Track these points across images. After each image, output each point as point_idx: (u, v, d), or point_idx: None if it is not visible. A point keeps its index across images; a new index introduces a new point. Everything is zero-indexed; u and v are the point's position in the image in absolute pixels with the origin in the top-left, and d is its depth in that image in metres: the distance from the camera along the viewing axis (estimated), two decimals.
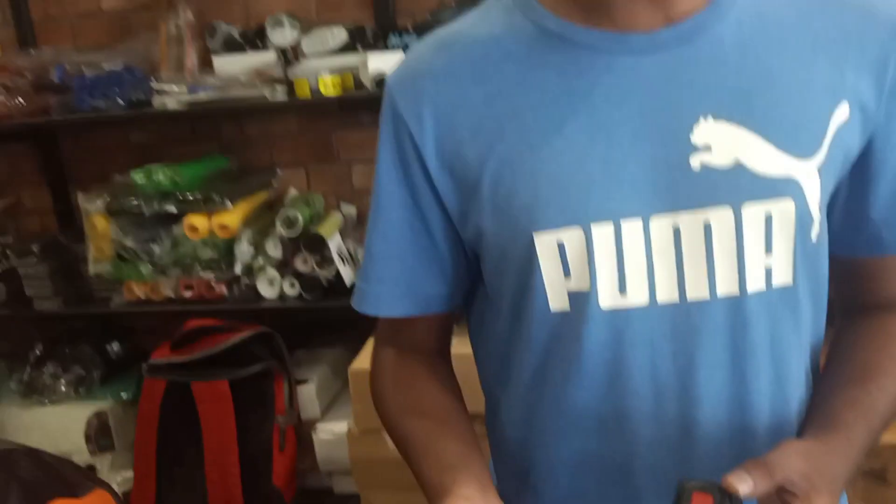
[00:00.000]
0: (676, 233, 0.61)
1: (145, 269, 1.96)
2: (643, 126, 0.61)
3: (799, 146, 0.61)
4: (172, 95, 1.79)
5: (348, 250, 1.89)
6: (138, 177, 1.88)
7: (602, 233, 0.61)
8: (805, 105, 0.62)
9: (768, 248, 0.61)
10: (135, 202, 1.90)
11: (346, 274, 1.85)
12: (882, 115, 0.64)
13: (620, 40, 0.62)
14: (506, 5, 0.67)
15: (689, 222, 0.61)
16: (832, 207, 0.69)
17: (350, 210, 2.08)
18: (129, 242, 1.93)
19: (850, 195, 0.68)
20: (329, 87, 1.63)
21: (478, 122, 0.64)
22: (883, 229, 0.69)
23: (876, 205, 0.68)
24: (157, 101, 1.80)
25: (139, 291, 2.00)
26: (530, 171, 0.62)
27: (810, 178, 0.62)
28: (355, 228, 2.03)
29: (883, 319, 0.72)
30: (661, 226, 0.61)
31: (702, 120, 0.60)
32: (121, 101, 1.86)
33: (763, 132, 0.60)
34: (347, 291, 1.81)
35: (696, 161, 0.60)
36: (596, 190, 0.61)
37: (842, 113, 0.62)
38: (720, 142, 0.60)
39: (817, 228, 0.64)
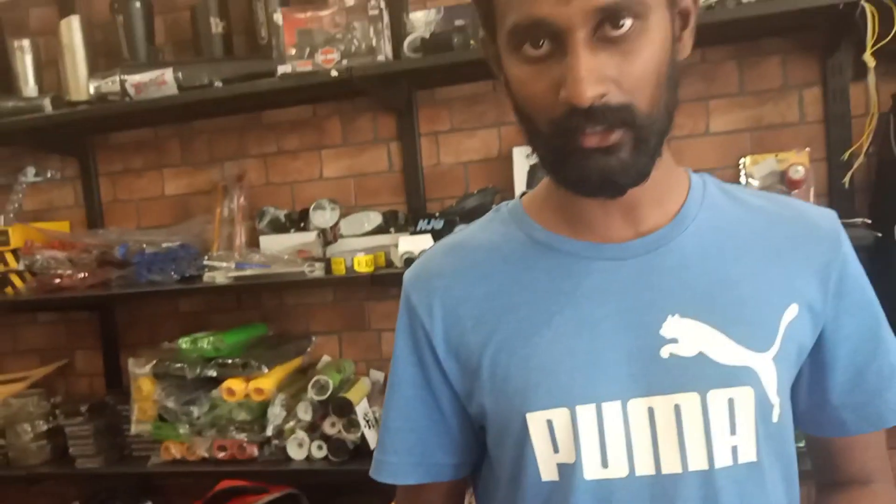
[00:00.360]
0: (651, 413, 0.70)
1: (183, 429, 2.06)
2: (620, 321, 0.72)
3: (755, 341, 0.71)
4: (221, 271, 1.98)
5: (374, 415, 1.99)
6: (185, 343, 2.04)
7: (586, 414, 0.70)
8: (759, 306, 0.72)
9: (733, 428, 0.70)
10: (179, 366, 2.04)
11: (372, 438, 1.93)
12: (829, 313, 0.75)
13: (598, 249, 0.74)
14: (503, 218, 0.82)
15: (662, 405, 0.70)
16: (797, 392, 0.78)
17: (378, 376, 2.19)
18: (170, 404, 2.05)
19: (810, 382, 0.78)
20: (363, 265, 1.81)
21: (480, 314, 0.76)
22: (843, 413, 0.78)
23: (834, 391, 0.78)
24: (207, 276, 1.99)
25: (175, 451, 2.09)
26: (523, 358, 0.73)
27: (766, 368, 0.71)
28: (382, 393, 2.14)
29: (854, 493, 0.80)
30: (637, 407, 0.70)
31: (669, 317, 0.71)
32: (175, 275, 2.06)
33: (723, 328, 0.71)
34: (372, 455, 1.89)
35: (665, 352, 0.71)
36: (580, 376, 0.71)
37: (791, 311, 0.73)
38: (686, 336, 0.70)
39: (778, 411, 0.72)
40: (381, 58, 1.77)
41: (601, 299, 0.73)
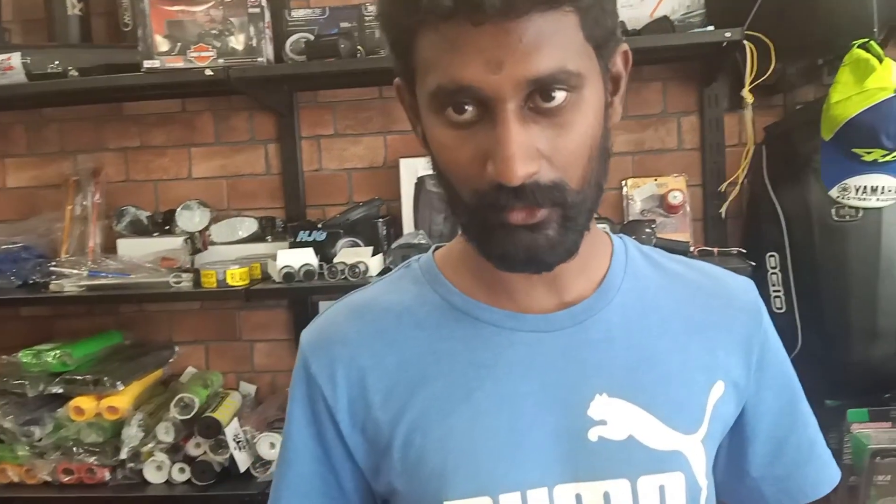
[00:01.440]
0: (579, 501, 0.66)
1: (22, 450, 1.86)
2: (545, 399, 0.67)
3: (683, 423, 0.68)
4: (71, 278, 1.78)
5: (245, 435, 1.87)
6: (26, 357, 1.82)
7: (510, 503, 0.65)
8: (686, 385, 0.70)
9: None
10: (19, 383, 1.83)
11: (242, 460, 1.82)
12: (752, 387, 0.74)
13: (520, 319, 0.69)
14: (415, 276, 0.75)
15: (591, 492, 0.66)
16: (717, 464, 0.76)
17: (249, 389, 2.07)
18: (7, 424, 1.84)
19: (729, 455, 0.77)
20: (236, 278, 1.69)
21: (390, 387, 0.69)
22: (763, 485, 0.78)
23: (754, 464, 0.77)
24: (55, 284, 1.78)
25: (12, 474, 1.88)
26: (440, 438, 0.67)
27: (696, 451, 0.69)
28: (254, 410, 2.02)
29: None
30: (564, 494, 0.66)
31: (598, 396, 0.67)
32: (15, 281, 1.84)
33: (651, 409, 0.68)
34: (242, 478, 1.78)
35: (593, 434, 0.66)
36: (503, 461, 0.66)
37: (717, 390, 0.71)
38: (614, 417, 0.67)
39: (705, 493, 0.70)
40: (261, 60, 1.65)
41: (524, 374, 0.68)
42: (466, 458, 0.66)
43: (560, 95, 0.58)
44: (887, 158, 1.54)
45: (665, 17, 1.73)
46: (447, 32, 0.56)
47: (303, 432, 0.73)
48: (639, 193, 1.84)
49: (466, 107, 0.58)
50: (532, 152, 0.58)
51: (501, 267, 0.65)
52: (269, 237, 1.85)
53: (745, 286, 0.77)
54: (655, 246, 1.67)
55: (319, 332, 0.75)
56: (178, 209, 1.88)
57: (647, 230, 1.68)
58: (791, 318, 1.67)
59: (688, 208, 1.81)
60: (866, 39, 1.56)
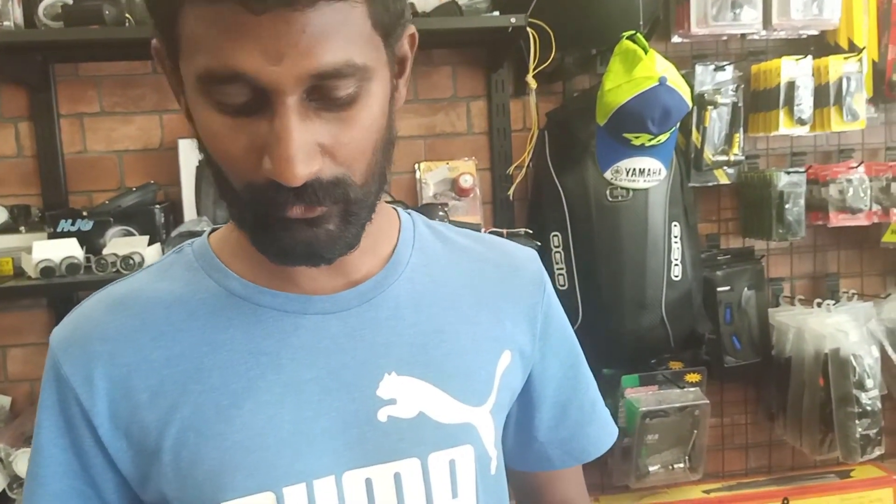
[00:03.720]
0: (369, 485, 0.64)
1: None
2: (332, 383, 0.64)
3: (473, 395, 0.69)
4: None
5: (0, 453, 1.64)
6: None
7: (295, 495, 0.61)
8: (475, 357, 0.70)
9: (454, 491, 0.67)
10: None
11: None
12: (537, 355, 0.76)
13: (305, 302, 0.65)
14: (188, 263, 0.68)
15: (381, 474, 0.64)
16: (504, 430, 0.77)
17: (3, 401, 1.81)
18: None
19: (517, 421, 0.79)
20: None
21: (158, 384, 0.62)
22: (549, 449, 0.80)
23: (541, 429, 0.79)
24: None
25: None
26: (217, 435, 0.61)
27: (484, 421, 0.69)
28: (9, 424, 1.77)
29: None
30: (353, 480, 0.64)
31: (386, 375, 0.65)
32: None
33: (441, 384, 0.67)
34: None
35: (383, 415, 0.65)
36: (287, 452, 0.62)
37: (505, 359, 0.72)
38: (404, 395, 0.65)
39: (494, 462, 0.71)
40: (7, 24, 1.43)
41: (309, 360, 0.64)
42: (246, 454, 0.62)
43: (345, 89, 0.54)
44: (653, 143, 1.67)
45: (453, 1, 1.74)
46: (220, 13, 0.50)
47: (55, 443, 0.64)
48: (431, 177, 1.85)
49: (240, 94, 0.52)
50: (313, 150, 0.54)
51: (277, 261, 0.61)
52: (22, 228, 1.62)
53: (529, 257, 0.79)
54: None
55: (73, 328, 0.65)
56: None
57: (440, 213, 1.69)
58: (573, 294, 1.76)
59: (478, 191, 1.85)
60: (633, 32, 1.67)
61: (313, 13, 0.50)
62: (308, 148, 0.53)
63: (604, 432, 0.83)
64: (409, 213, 0.76)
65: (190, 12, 0.52)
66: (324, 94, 0.53)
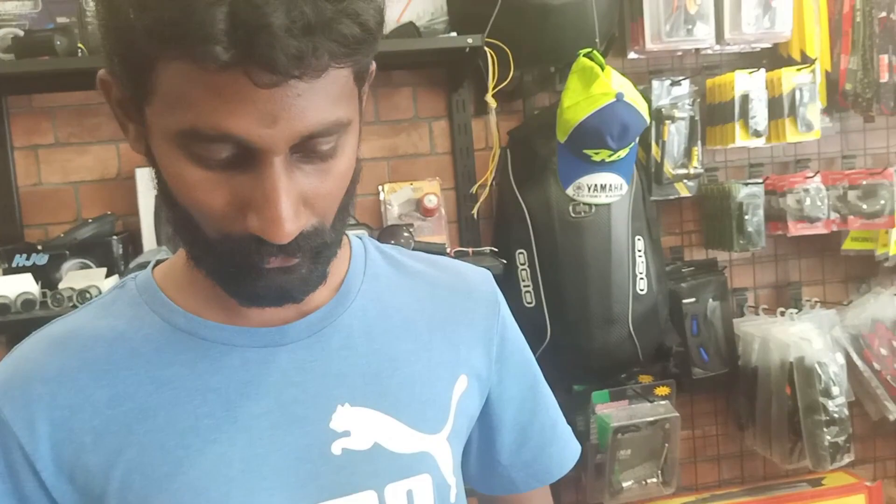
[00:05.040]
0: None
1: None
2: (283, 418, 0.62)
3: (429, 423, 0.67)
4: None
5: None
6: None
7: None
8: (430, 384, 0.68)
9: None
10: None
11: None
12: (494, 378, 0.75)
13: (252, 335, 0.64)
14: (131, 298, 0.66)
15: None
16: (467, 457, 0.77)
17: None
18: None
19: (479, 446, 0.78)
20: None
21: (102, 426, 0.60)
22: (513, 472, 0.79)
23: (503, 452, 0.78)
24: None
25: None
26: (164, 477, 0.60)
27: (442, 449, 0.68)
28: None
29: None
30: None
31: (339, 407, 0.64)
32: None
33: (396, 413, 0.66)
34: None
35: (337, 448, 0.63)
36: (238, 491, 0.60)
37: (461, 384, 0.71)
38: (358, 426, 0.64)
39: (454, 490, 0.70)
40: None
41: (259, 394, 0.63)
42: (196, 496, 0.60)
43: (328, 144, 0.54)
44: (613, 158, 1.68)
45: (411, 23, 1.75)
46: (213, 75, 0.48)
47: None
48: (396, 198, 1.84)
49: (224, 149, 0.52)
50: (299, 206, 0.54)
51: (248, 305, 0.61)
52: None
53: (483, 278, 0.78)
54: (415, 249, 1.69)
55: (13, 370, 0.63)
56: None
57: (406, 234, 1.68)
58: (540, 312, 1.76)
59: (443, 211, 1.85)
60: (589, 49, 1.69)
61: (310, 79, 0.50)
62: (294, 205, 0.53)
63: (566, 451, 0.82)
64: (360, 239, 0.75)
65: (173, 66, 0.50)
66: (308, 149, 0.53)
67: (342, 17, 0.49)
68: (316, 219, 0.56)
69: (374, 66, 0.61)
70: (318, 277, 0.60)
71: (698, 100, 1.87)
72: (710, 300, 1.89)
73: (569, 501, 1.95)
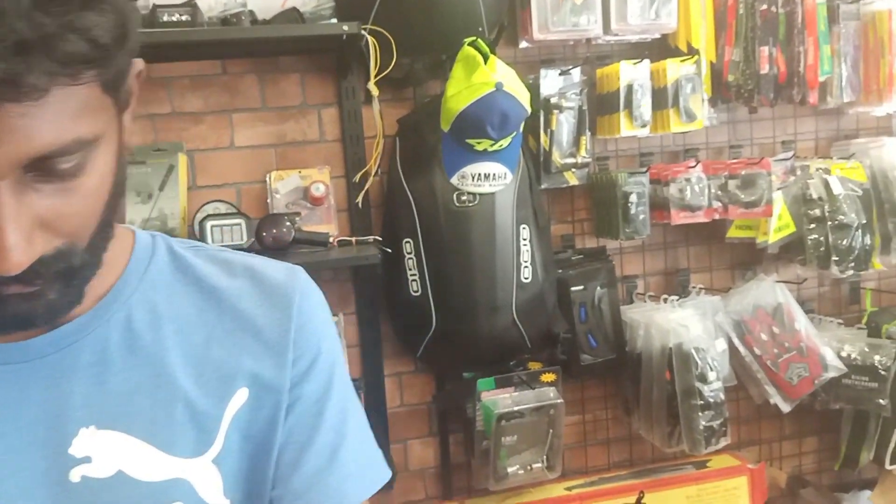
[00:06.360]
0: None
1: None
2: (21, 440, 0.59)
3: (188, 445, 0.62)
4: None
5: None
6: None
7: None
8: (196, 401, 0.63)
9: None
10: None
11: None
12: (287, 386, 0.67)
13: None
14: None
15: None
16: (281, 482, 0.68)
17: None
18: None
19: (277, 465, 0.68)
20: None
21: None
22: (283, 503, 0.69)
23: (276, 477, 0.68)
24: None
25: None
26: None
27: (203, 473, 0.63)
28: None
29: None
30: None
31: (82, 431, 0.59)
32: None
33: (149, 437, 0.61)
34: None
35: (76, 475, 0.59)
36: None
37: (240, 398, 0.65)
38: (101, 452, 0.60)
39: None
40: None
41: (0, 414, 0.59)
42: None
43: (68, 163, 0.50)
44: (495, 147, 1.69)
45: (294, 9, 1.72)
46: None
47: None
48: (283, 186, 1.82)
49: None
50: (33, 232, 0.50)
51: None
52: None
53: (282, 277, 0.71)
54: (296, 239, 1.68)
55: None
56: None
57: (287, 224, 1.67)
58: (426, 300, 1.77)
59: (332, 199, 1.83)
60: (474, 38, 1.69)
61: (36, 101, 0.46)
62: (27, 232, 0.49)
63: (349, 483, 0.70)
64: (153, 238, 0.70)
65: None
66: (45, 168, 0.49)
67: (66, 32, 0.45)
68: (61, 241, 0.52)
69: (140, 66, 0.58)
70: (71, 301, 0.57)
71: (586, 89, 1.89)
72: (599, 287, 1.92)
73: (462, 486, 1.97)
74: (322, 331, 0.72)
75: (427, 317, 1.77)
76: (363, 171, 1.81)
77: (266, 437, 0.67)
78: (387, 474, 0.74)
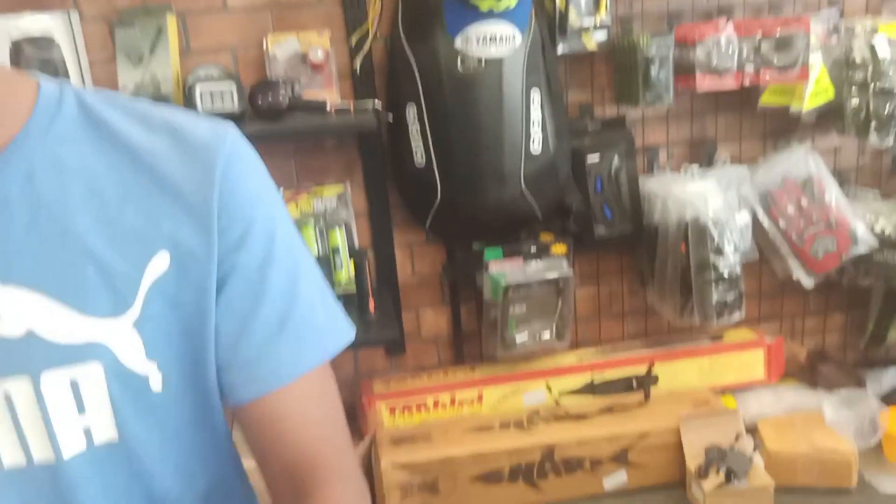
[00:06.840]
0: None
1: None
2: None
3: (104, 306, 0.61)
4: None
5: None
6: None
7: None
8: (111, 262, 0.61)
9: (81, 409, 0.61)
10: None
11: None
12: (217, 255, 0.65)
13: None
14: None
15: None
16: (228, 350, 0.67)
17: None
18: None
19: (221, 342, 0.67)
20: None
21: None
22: (231, 374, 0.68)
23: (220, 348, 0.67)
24: None
25: None
26: None
27: (122, 335, 0.62)
28: None
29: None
30: None
31: None
32: None
33: (61, 296, 0.60)
34: None
35: None
36: None
37: (159, 263, 0.63)
38: (9, 310, 0.59)
39: (159, 378, 0.64)
40: None
41: None
42: None
43: None
44: (501, 6, 1.57)
45: None
46: None
47: None
48: (280, 51, 1.74)
49: None
50: None
51: None
52: None
53: (208, 139, 0.66)
54: (290, 107, 1.62)
55: None
56: None
57: (282, 92, 1.61)
58: (430, 171, 1.71)
59: (333, 65, 1.75)
60: None
61: None
62: None
63: (304, 349, 0.69)
64: (60, 88, 0.65)
65: None
66: None
67: None
68: None
69: None
70: None
71: None
72: (616, 158, 1.83)
73: (474, 353, 1.99)
74: (255, 196, 0.68)
75: (432, 188, 1.72)
76: (359, 32, 1.72)
77: (198, 305, 0.65)
78: (349, 334, 0.73)
